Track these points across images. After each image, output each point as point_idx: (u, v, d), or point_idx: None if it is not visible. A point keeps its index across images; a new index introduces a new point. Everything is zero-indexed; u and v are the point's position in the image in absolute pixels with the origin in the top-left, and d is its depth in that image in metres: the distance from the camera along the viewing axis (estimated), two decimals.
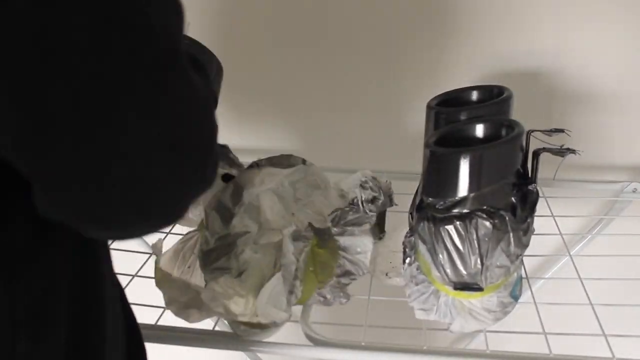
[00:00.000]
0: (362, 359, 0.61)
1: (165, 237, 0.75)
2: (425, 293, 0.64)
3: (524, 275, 0.70)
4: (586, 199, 1.01)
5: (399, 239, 0.73)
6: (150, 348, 0.53)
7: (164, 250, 0.71)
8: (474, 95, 0.75)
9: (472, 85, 0.76)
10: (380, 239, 0.74)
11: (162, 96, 0.32)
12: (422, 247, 0.61)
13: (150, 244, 0.71)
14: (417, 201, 0.64)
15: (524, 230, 0.59)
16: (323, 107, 1.02)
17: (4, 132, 0.30)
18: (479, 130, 0.65)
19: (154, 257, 0.69)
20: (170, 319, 0.65)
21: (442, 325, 0.64)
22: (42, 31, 0.28)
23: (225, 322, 0.67)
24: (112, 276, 0.47)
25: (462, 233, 0.57)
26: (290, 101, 1.03)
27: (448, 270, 0.59)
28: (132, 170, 0.32)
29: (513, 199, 0.59)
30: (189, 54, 0.38)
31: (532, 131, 0.64)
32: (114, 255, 0.47)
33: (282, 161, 0.72)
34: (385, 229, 0.80)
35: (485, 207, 0.57)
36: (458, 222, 0.57)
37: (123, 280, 0.55)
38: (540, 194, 0.76)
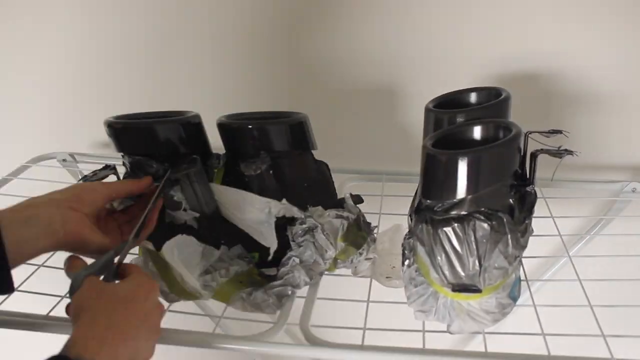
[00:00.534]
0: (361, 359, 0.61)
1: None
2: (424, 295, 0.64)
3: (522, 276, 0.70)
4: (585, 199, 1.01)
5: (398, 241, 0.73)
6: None
7: None
8: (472, 97, 0.75)
9: (470, 87, 0.76)
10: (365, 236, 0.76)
11: None
12: (420, 249, 0.61)
13: None
14: (416, 203, 0.64)
15: (522, 231, 0.59)
16: (322, 109, 1.02)
17: None
18: (477, 132, 0.65)
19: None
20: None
21: (441, 327, 0.65)
22: None
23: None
24: None
25: (460, 235, 0.57)
26: (289, 102, 1.03)
27: (446, 272, 0.59)
28: None
29: (511, 200, 0.59)
30: None
31: (530, 132, 0.64)
32: None
33: None
34: (383, 230, 0.81)
35: (483, 209, 0.57)
36: (456, 224, 0.57)
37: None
38: (540, 195, 0.77)
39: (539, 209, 0.64)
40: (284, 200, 0.69)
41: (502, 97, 0.70)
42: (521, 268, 0.69)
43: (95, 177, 0.73)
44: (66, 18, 1.01)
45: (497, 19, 0.89)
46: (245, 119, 0.74)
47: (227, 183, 0.72)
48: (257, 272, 0.71)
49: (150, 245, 0.68)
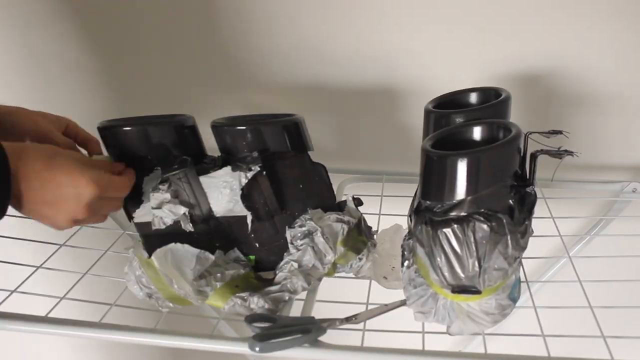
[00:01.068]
0: None
1: None
2: (423, 296, 0.64)
3: (522, 277, 0.70)
4: (585, 200, 1.01)
5: (398, 242, 0.73)
6: None
7: None
8: (472, 98, 0.75)
9: (469, 87, 0.76)
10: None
11: None
12: (420, 251, 0.61)
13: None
14: (415, 204, 0.64)
15: (522, 232, 0.59)
16: (321, 110, 1.02)
17: None
18: (477, 132, 0.65)
19: None
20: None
21: (441, 328, 0.64)
22: None
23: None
24: None
25: (460, 236, 0.57)
26: (289, 103, 1.03)
27: (446, 273, 0.59)
28: None
29: (511, 201, 0.59)
30: None
31: (530, 133, 0.64)
32: None
33: None
34: (382, 231, 0.80)
35: (482, 210, 0.57)
36: (456, 225, 0.57)
37: None
38: (540, 195, 0.77)
39: (539, 209, 0.63)
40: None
41: (502, 97, 0.70)
42: (521, 269, 0.68)
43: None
44: (56, 16, 1.01)
45: (497, 19, 0.89)
46: (241, 120, 0.74)
47: None
48: (254, 276, 0.71)
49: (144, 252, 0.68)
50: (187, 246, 0.69)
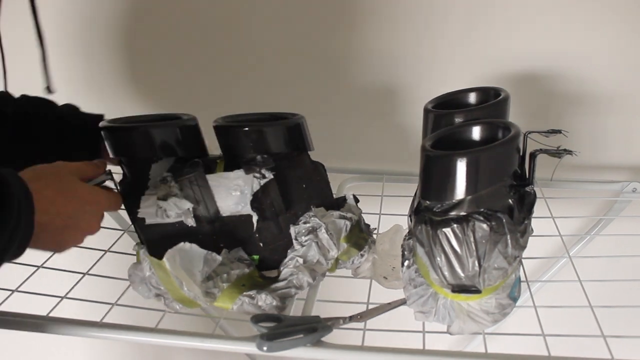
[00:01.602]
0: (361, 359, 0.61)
1: None
2: (423, 296, 0.64)
3: (522, 277, 0.70)
4: (585, 199, 1.01)
5: (398, 242, 0.73)
6: None
7: None
8: (471, 98, 0.75)
9: (469, 87, 0.76)
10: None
11: None
12: (420, 250, 0.61)
13: None
14: (415, 204, 0.64)
15: (522, 232, 0.59)
16: (321, 110, 1.02)
17: None
18: (476, 132, 0.65)
19: None
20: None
21: (441, 328, 0.64)
22: None
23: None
24: None
25: (460, 236, 0.57)
26: (289, 103, 1.03)
27: (446, 273, 0.59)
28: None
29: (510, 200, 0.59)
30: None
31: (529, 132, 0.64)
32: None
33: None
34: (381, 231, 0.80)
35: (482, 210, 0.57)
36: (455, 225, 0.57)
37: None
38: (539, 195, 0.77)
39: (539, 209, 0.63)
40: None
41: (502, 97, 0.70)
42: (521, 268, 0.68)
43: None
44: (58, 18, 1.01)
45: (497, 19, 0.89)
46: (242, 120, 0.74)
47: None
48: (258, 274, 0.71)
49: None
50: (194, 246, 0.69)
